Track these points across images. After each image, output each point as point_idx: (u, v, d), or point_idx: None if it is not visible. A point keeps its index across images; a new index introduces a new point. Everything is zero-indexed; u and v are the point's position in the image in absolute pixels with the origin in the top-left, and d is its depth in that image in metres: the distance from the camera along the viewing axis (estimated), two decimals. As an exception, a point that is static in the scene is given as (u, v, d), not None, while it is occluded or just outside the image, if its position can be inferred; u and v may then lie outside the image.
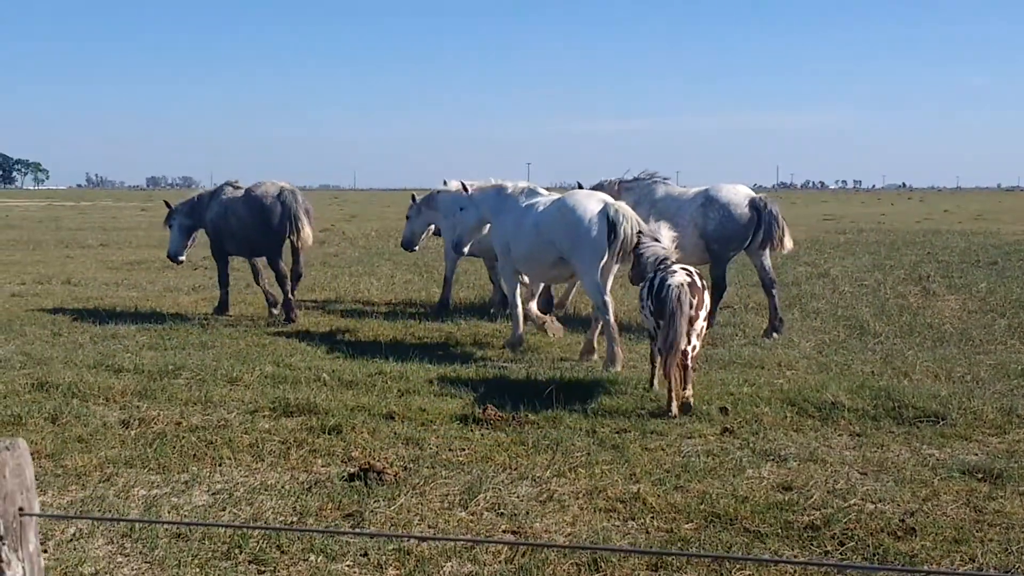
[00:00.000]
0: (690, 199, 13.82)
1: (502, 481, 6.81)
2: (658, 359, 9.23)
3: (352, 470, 6.96)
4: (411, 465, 7.19)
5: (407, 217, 16.05)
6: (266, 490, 6.65)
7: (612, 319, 11.00)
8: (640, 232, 10.29)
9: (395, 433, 7.99)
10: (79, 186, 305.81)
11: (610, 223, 10.99)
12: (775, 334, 12.91)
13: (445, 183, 15.72)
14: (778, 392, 9.28)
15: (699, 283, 9.10)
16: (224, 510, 6.31)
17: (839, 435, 8.10)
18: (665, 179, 14.77)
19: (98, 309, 15.20)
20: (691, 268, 9.41)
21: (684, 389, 8.70)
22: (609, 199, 11.58)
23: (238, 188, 15.19)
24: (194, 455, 7.39)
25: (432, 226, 16.00)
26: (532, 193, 12.36)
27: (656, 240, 9.83)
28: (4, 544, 2.90)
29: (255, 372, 10.18)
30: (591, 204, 11.32)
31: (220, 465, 7.20)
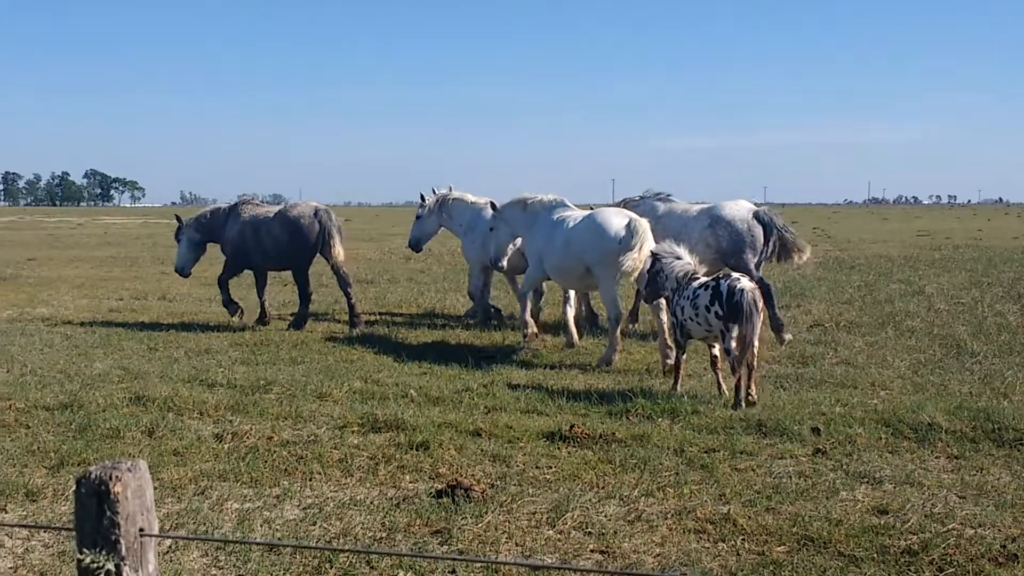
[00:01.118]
0: (694, 217, 14.42)
1: (589, 500, 6.77)
2: (723, 363, 10.01)
3: (440, 486, 6.99)
4: (498, 482, 7.19)
5: (416, 216, 16.58)
6: (355, 505, 6.71)
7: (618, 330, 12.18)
8: (656, 253, 10.75)
9: (482, 450, 8.01)
10: (173, 203, 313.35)
11: (633, 237, 11.87)
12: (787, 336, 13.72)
13: (451, 189, 16.62)
14: (872, 412, 9.07)
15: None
16: (315, 524, 6.38)
17: (936, 457, 7.89)
18: (668, 196, 15.34)
19: (192, 324, 15.56)
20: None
21: (750, 386, 9.52)
22: (634, 216, 12.37)
23: (259, 205, 16.45)
24: (285, 469, 7.50)
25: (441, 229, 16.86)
26: (561, 206, 13.32)
27: (678, 257, 10.46)
28: (126, 564, 2.95)
29: (344, 388, 10.29)
30: (618, 219, 12.25)
31: (310, 480, 7.29)
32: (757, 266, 14.03)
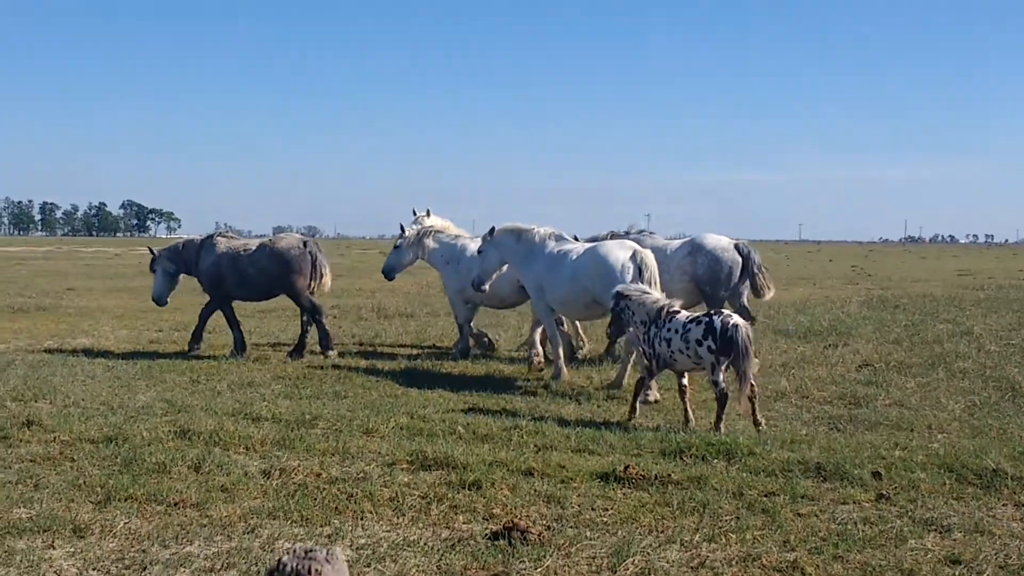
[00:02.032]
0: (675, 249, 15.26)
1: (650, 544, 6.57)
2: (688, 392, 10.75)
3: (495, 528, 6.81)
4: (554, 524, 7.01)
5: (395, 246, 16.56)
6: (409, 546, 6.55)
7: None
8: (619, 292, 11.24)
9: (535, 490, 7.82)
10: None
11: (637, 267, 12.73)
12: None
13: (428, 213, 16.87)
14: (933, 457, 8.81)
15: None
16: (369, 566, 6.21)
17: (1003, 505, 7.62)
18: (651, 233, 16.21)
19: (234, 357, 15.49)
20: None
21: (756, 413, 10.17)
22: (637, 247, 13.11)
23: (234, 238, 16.97)
24: (335, 508, 7.34)
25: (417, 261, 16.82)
26: (560, 239, 13.96)
27: (646, 292, 11.15)
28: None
29: (390, 423, 10.14)
30: (621, 252, 12.93)
31: (362, 519, 7.13)
32: (733, 296, 15.06)
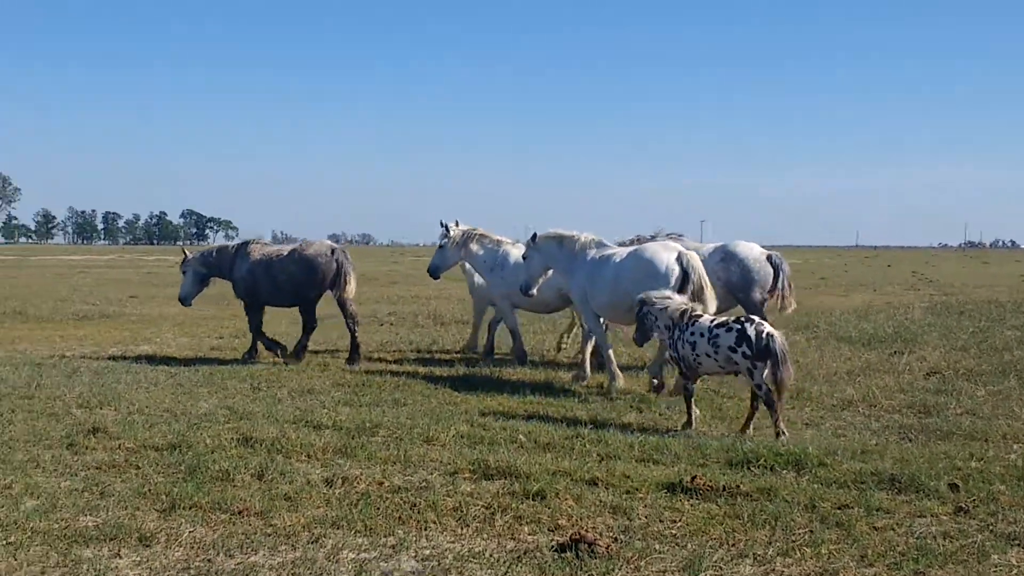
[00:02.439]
0: (707, 255, 14.99)
1: (722, 558, 6.41)
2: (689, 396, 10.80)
3: (561, 540, 6.68)
4: (622, 536, 6.86)
5: (440, 246, 16.37)
6: (474, 558, 6.44)
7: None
8: (641, 299, 11.27)
9: (600, 500, 7.68)
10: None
11: (683, 270, 12.59)
12: None
13: (457, 223, 16.45)
14: (1012, 468, 8.54)
15: None
16: (434, 578, 6.12)
17: (1089, 518, 7.34)
18: (680, 236, 16.04)
19: (292, 364, 15.53)
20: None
21: (779, 423, 10.12)
22: (681, 249, 13.01)
23: (266, 245, 17.16)
24: (399, 517, 7.26)
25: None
26: (601, 245, 13.99)
27: (668, 297, 11.19)
28: None
29: (450, 431, 10.05)
30: (666, 254, 12.83)
31: (425, 529, 7.04)
32: (762, 304, 14.82)
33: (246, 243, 17.26)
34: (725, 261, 14.90)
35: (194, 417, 10.93)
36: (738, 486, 7.94)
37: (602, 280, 13.35)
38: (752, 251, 15.11)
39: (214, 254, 17.44)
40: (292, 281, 16.15)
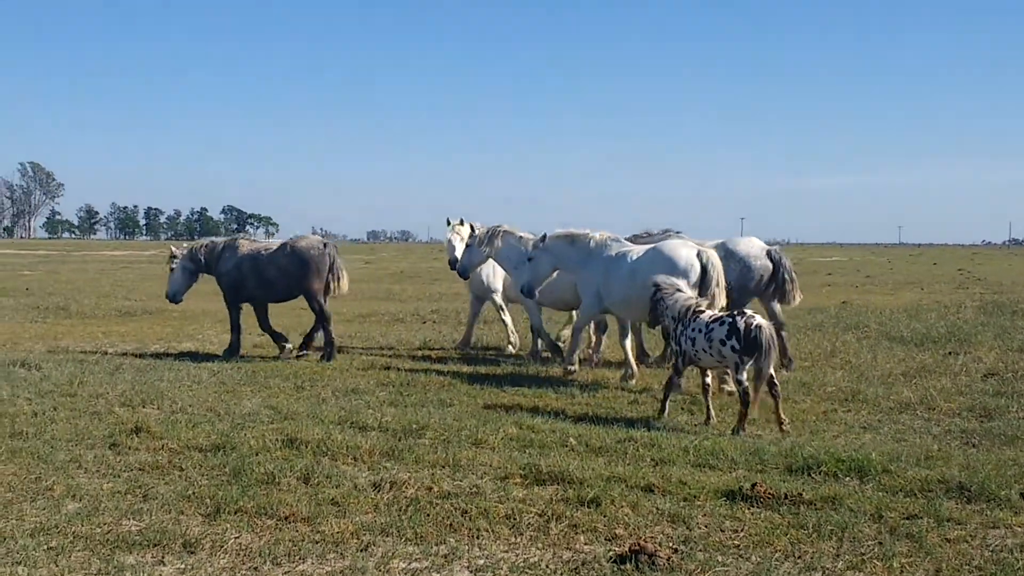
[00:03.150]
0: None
1: (788, 571, 6.12)
2: (711, 392, 11.14)
3: (620, 550, 6.41)
4: (682, 547, 6.57)
5: (467, 245, 16.25)
6: (530, 569, 6.19)
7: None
8: (657, 284, 11.56)
9: (657, 508, 7.39)
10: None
11: (703, 267, 12.82)
12: (784, 371, 14.02)
13: (462, 222, 16.82)
14: (1086, 476, 8.17)
15: None
16: (489, 591, 5.87)
17: None
18: (678, 233, 15.81)
19: (336, 363, 15.36)
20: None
21: (780, 413, 10.45)
22: (702, 247, 13.23)
23: (255, 241, 17.49)
24: (450, 525, 7.01)
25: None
26: (616, 243, 14.14)
27: (679, 290, 11.39)
28: None
29: (499, 434, 9.80)
30: (685, 251, 13.03)
31: (478, 538, 6.79)
32: (769, 299, 15.10)
33: (235, 238, 17.49)
34: (726, 259, 14.53)
35: (237, 417, 10.75)
36: (800, 494, 7.62)
37: (619, 277, 13.52)
38: (752, 248, 15.13)
39: (202, 249, 17.36)
40: (284, 275, 16.28)
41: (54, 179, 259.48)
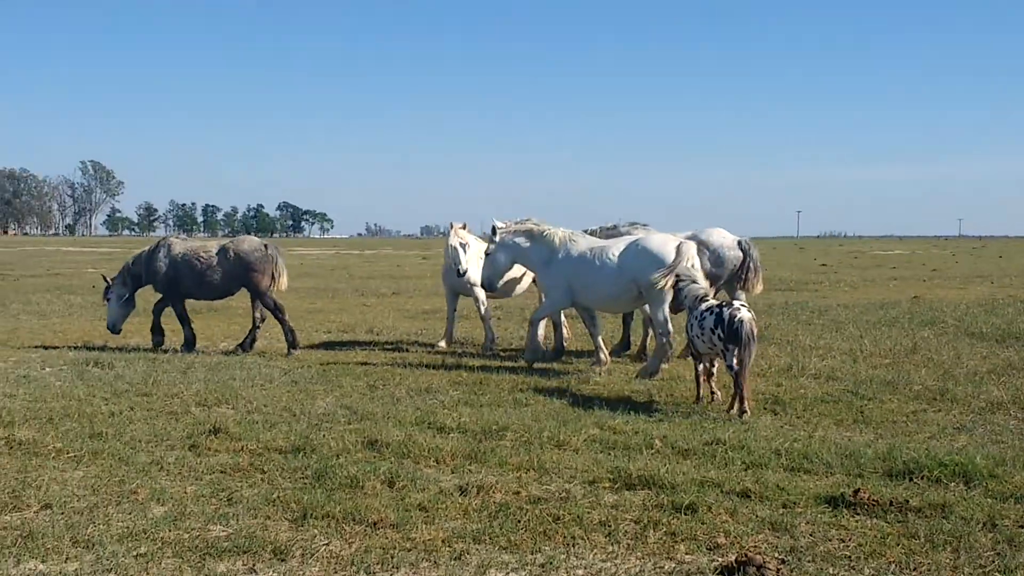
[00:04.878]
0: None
1: (906, 585, 5.81)
2: (708, 375, 11.77)
3: (724, 560, 6.15)
4: (789, 558, 6.28)
5: (486, 254, 15.64)
6: (632, 580, 5.95)
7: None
8: (679, 274, 12.47)
9: (757, 515, 7.11)
10: (359, 235, 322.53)
11: (684, 259, 13.24)
12: None
13: (464, 226, 16.80)
14: None
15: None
16: (593, 603, 5.64)
17: None
18: (644, 225, 16.39)
19: (406, 361, 15.20)
20: (744, 303, 11.66)
21: (743, 403, 10.84)
22: (680, 240, 13.70)
23: (186, 240, 17.81)
24: (544, 532, 6.78)
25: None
26: (582, 237, 14.55)
27: (694, 280, 12.28)
28: None
29: (581, 435, 9.55)
30: (670, 245, 13.45)
31: (573, 546, 6.55)
32: (738, 287, 15.64)
33: (166, 238, 17.82)
34: (700, 249, 14.91)
35: (314, 417, 10.61)
36: (907, 501, 7.29)
37: (602, 271, 13.83)
38: (725, 239, 15.78)
39: (131, 265, 17.50)
40: (227, 276, 16.65)
41: (114, 177, 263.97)
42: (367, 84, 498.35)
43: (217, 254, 16.76)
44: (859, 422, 10.53)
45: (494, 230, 14.78)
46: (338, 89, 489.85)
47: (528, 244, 14.57)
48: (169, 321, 17.11)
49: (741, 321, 10.89)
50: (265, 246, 16.97)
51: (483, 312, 17.06)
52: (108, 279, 17.70)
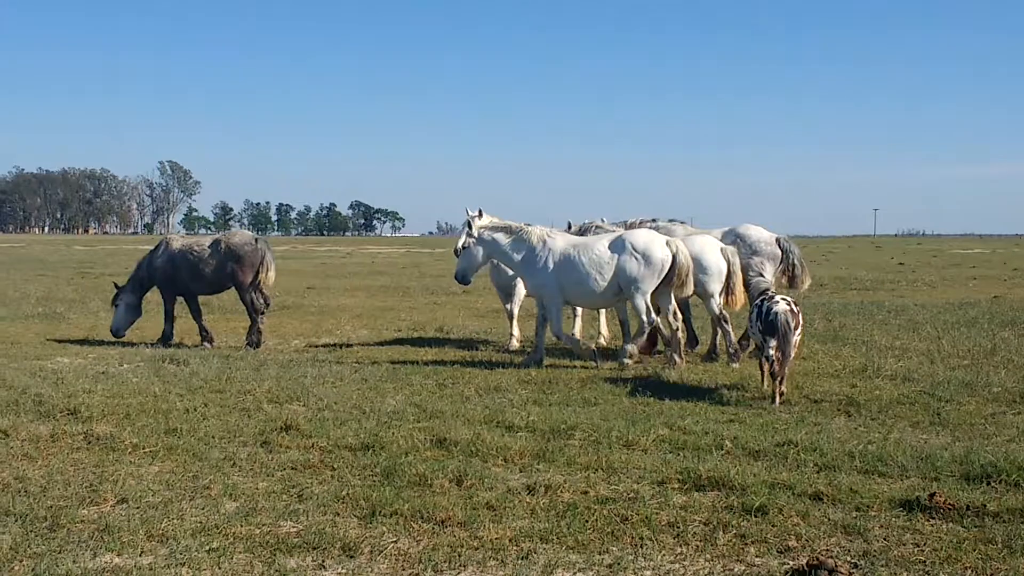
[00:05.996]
0: (720, 236, 15.81)
1: (984, 593, 5.67)
2: (766, 365, 11.81)
3: (795, 564, 6.05)
4: (861, 562, 6.17)
5: (462, 247, 15.65)
6: (700, 582, 5.89)
7: (680, 330, 14.46)
8: (746, 267, 13.84)
9: (829, 518, 7.00)
10: (431, 233, 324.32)
11: (672, 256, 14.07)
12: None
13: (480, 214, 15.77)
14: None
15: (795, 309, 11.71)
16: (661, 606, 5.59)
17: None
18: (682, 222, 16.93)
19: (475, 359, 15.25)
20: (789, 297, 11.98)
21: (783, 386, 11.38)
22: (667, 237, 14.50)
23: (185, 237, 18.51)
24: (611, 532, 6.74)
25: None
26: (561, 235, 14.96)
27: (761, 275, 13.24)
28: None
29: (650, 435, 9.48)
30: (657, 241, 14.18)
31: (641, 547, 6.50)
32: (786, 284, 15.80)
33: (166, 237, 18.86)
34: (736, 244, 15.46)
35: (383, 415, 10.68)
36: (984, 505, 7.12)
37: (582, 268, 14.26)
38: (763, 234, 15.91)
39: (136, 270, 18.23)
40: (218, 269, 17.23)
41: (191, 177, 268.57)
42: (442, 79, 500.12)
43: (210, 247, 17.46)
44: (936, 424, 10.30)
45: (469, 225, 14.97)
46: (411, 87, 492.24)
47: (507, 240, 14.81)
48: (227, 319, 17.38)
49: (776, 313, 11.34)
50: (256, 240, 17.63)
51: (510, 311, 17.25)
52: (118, 286, 18.31)
